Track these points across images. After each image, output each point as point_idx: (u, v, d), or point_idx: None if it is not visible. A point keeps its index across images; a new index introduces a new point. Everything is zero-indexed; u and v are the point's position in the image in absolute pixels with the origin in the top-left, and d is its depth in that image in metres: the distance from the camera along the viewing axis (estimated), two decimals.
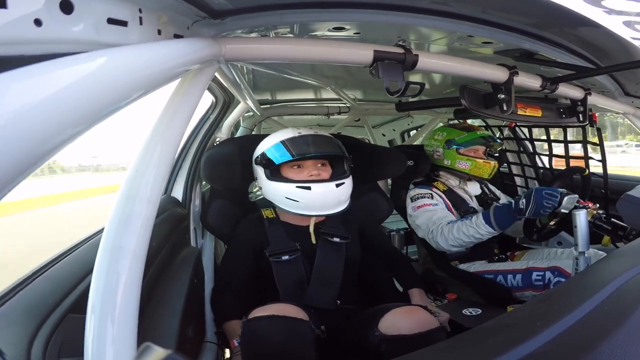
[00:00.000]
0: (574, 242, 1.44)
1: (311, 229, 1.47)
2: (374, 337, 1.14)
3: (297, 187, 1.37)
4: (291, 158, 1.39)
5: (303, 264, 1.43)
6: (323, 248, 1.46)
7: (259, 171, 1.47)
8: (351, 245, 1.53)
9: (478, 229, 1.70)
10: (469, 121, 2.46)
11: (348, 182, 1.43)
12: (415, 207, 1.98)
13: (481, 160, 2.01)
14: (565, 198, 1.55)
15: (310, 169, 1.42)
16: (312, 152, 1.41)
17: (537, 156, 2.64)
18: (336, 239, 1.48)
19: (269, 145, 1.44)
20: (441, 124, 2.55)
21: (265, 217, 1.51)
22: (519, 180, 2.74)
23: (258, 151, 1.49)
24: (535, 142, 2.55)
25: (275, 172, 1.44)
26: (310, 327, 1.11)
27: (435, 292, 1.97)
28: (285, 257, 1.41)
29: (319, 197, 1.38)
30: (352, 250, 1.53)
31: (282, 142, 1.41)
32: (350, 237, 1.51)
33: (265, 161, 1.44)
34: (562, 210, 1.56)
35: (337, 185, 1.39)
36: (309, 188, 1.36)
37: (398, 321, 1.15)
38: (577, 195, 1.58)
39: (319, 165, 1.45)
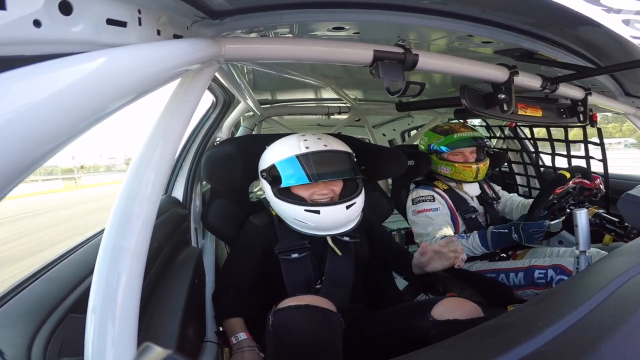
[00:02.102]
0: (575, 241, 1.44)
1: (331, 243, 1.44)
2: (426, 323, 1.19)
3: (305, 210, 1.33)
4: (305, 182, 1.34)
5: (312, 263, 1.43)
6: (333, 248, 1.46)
7: (265, 186, 1.42)
8: (360, 245, 1.53)
9: (474, 249, 1.78)
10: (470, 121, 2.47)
11: (359, 200, 1.40)
12: (415, 212, 1.98)
13: (460, 165, 2.00)
14: (551, 225, 1.65)
15: (320, 187, 1.38)
16: (325, 175, 1.35)
17: (537, 155, 2.65)
18: (346, 238, 1.47)
19: (275, 161, 1.38)
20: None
21: (274, 214, 1.50)
22: (519, 179, 2.75)
23: (263, 164, 1.43)
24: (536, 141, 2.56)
25: (283, 188, 1.38)
26: (339, 319, 1.13)
27: (436, 291, 1.96)
28: (295, 255, 1.41)
29: (328, 219, 1.35)
30: (361, 250, 1.54)
31: (292, 159, 1.35)
32: (358, 236, 1.51)
33: (271, 178, 1.40)
34: (553, 231, 1.68)
35: (348, 207, 1.35)
36: (317, 212, 1.33)
37: (452, 309, 1.20)
38: (561, 220, 1.67)
39: (332, 181, 1.40)
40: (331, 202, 1.35)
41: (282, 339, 1.08)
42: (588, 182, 1.76)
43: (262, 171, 1.43)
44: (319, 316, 1.10)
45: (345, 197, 1.39)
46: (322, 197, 1.37)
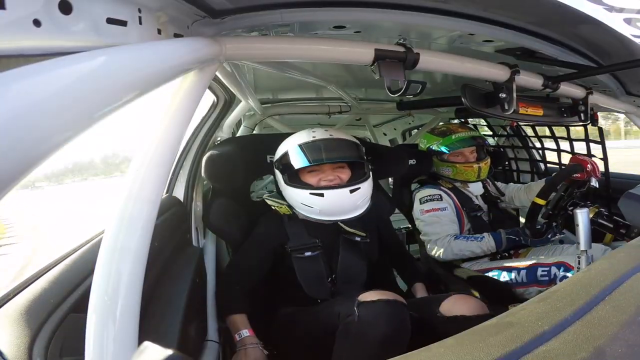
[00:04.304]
0: (576, 240, 1.44)
1: (344, 227, 1.49)
2: (434, 319, 1.25)
3: (310, 193, 1.38)
4: (308, 164, 1.40)
5: (323, 261, 1.46)
6: (344, 246, 1.49)
7: (278, 175, 1.48)
8: (370, 245, 1.56)
9: (488, 250, 1.82)
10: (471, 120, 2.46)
11: (365, 186, 1.42)
12: (423, 211, 1.98)
13: (462, 165, 2.00)
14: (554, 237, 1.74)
15: (326, 173, 1.43)
16: (327, 159, 1.41)
17: (537, 152, 2.65)
18: (357, 238, 1.50)
19: (286, 150, 1.46)
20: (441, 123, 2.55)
21: (282, 213, 1.52)
22: (522, 177, 2.75)
23: (276, 155, 1.51)
24: (534, 139, 2.57)
25: (293, 176, 1.45)
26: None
27: (437, 290, 1.96)
28: (308, 253, 1.44)
29: (333, 203, 1.38)
30: (371, 250, 1.56)
31: (299, 146, 1.42)
32: (368, 236, 1.53)
33: (282, 166, 1.46)
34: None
35: (352, 191, 1.38)
36: (322, 195, 1.37)
37: (459, 305, 1.25)
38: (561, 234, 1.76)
39: (338, 168, 1.45)
40: (335, 186, 1.40)
41: (368, 330, 1.09)
42: (579, 175, 1.75)
43: (275, 161, 1.50)
44: (402, 311, 1.14)
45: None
46: (328, 183, 1.41)
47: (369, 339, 1.07)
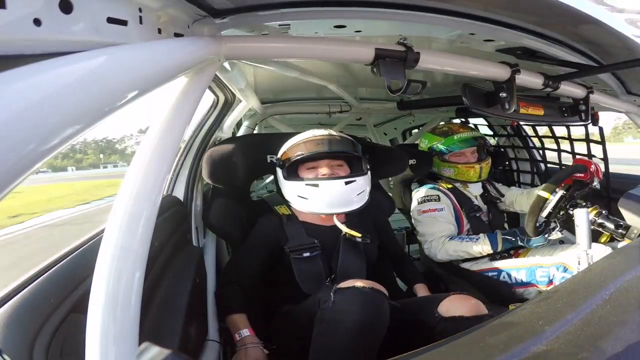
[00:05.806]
0: (576, 240, 1.44)
1: (342, 227, 1.48)
2: (433, 319, 1.22)
3: (306, 184, 1.43)
4: (301, 154, 1.44)
5: (322, 261, 1.46)
6: (344, 246, 1.49)
7: (278, 173, 1.53)
8: (370, 246, 1.56)
9: (483, 251, 1.80)
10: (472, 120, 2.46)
11: (361, 181, 1.46)
12: (420, 211, 1.99)
13: (463, 166, 2.01)
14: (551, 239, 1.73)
15: (323, 168, 1.46)
16: (323, 151, 1.45)
17: (539, 153, 2.65)
18: (358, 239, 1.50)
19: (285, 148, 1.53)
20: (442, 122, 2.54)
21: (281, 214, 1.54)
22: (522, 177, 2.75)
23: (278, 154, 1.57)
24: (535, 139, 2.56)
25: (292, 173, 1.50)
26: (388, 303, 1.16)
27: (437, 290, 1.97)
28: (307, 254, 1.45)
29: (327, 194, 1.41)
30: (370, 251, 1.56)
31: (296, 143, 1.49)
32: (369, 237, 1.53)
33: (281, 162, 1.52)
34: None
35: (347, 183, 1.41)
36: (316, 185, 1.41)
37: (457, 306, 1.23)
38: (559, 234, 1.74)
39: (335, 165, 1.48)
40: (330, 177, 1.44)
41: (340, 316, 1.09)
42: (581, 175, 1.74)
43: (276, 159, 1.57)
44: (377, 298, 1.12)
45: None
46: (323, 177, 1.45)
47: (341, 325, 1.07)
